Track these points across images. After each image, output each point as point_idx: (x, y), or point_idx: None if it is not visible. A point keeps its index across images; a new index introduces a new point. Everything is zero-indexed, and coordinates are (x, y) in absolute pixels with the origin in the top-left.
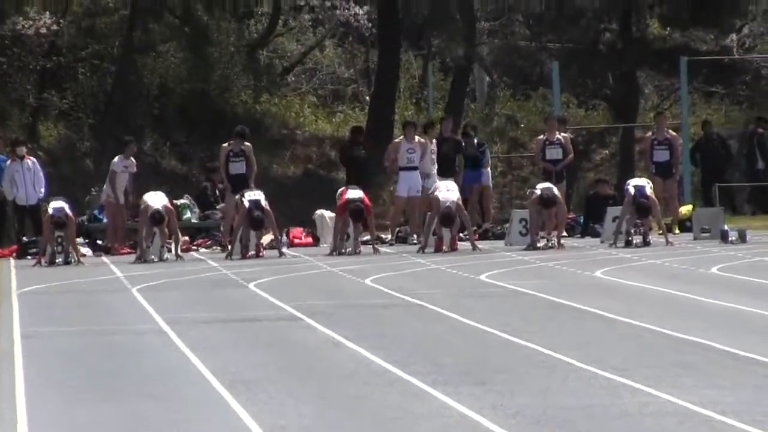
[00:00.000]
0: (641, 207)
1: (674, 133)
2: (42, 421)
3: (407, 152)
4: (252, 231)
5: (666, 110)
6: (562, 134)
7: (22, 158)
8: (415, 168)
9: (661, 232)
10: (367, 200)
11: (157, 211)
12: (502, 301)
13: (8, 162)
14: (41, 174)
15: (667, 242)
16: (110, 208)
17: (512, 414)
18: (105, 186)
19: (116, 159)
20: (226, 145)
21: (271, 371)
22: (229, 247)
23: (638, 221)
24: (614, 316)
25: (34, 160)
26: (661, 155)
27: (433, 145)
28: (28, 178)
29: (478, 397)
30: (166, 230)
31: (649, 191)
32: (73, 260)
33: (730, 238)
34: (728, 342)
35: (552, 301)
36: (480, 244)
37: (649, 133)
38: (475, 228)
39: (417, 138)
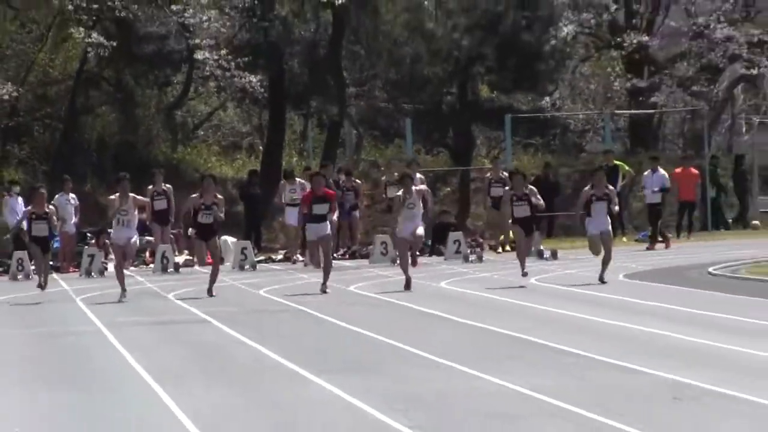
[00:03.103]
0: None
1: (507, 174)
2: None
3: (290, 192)
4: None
5: (496, 158)
6: (418, 175)
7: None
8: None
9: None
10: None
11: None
12: (370, 308)
13: (6, 197)
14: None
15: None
16: (64, 236)
17: (379, 395)
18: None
19: (57, 196)
20: (150, 187)
21: (188, 365)
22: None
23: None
24: (456, 318)
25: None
26: (497, 191)
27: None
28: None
29: (354, 384)
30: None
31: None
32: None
33: (544, 256)
34: (547, 337)
35: (408, 306)
36: (348, 263)
37: (488, 174)
38: (345, 249)
39: (297, 179)
